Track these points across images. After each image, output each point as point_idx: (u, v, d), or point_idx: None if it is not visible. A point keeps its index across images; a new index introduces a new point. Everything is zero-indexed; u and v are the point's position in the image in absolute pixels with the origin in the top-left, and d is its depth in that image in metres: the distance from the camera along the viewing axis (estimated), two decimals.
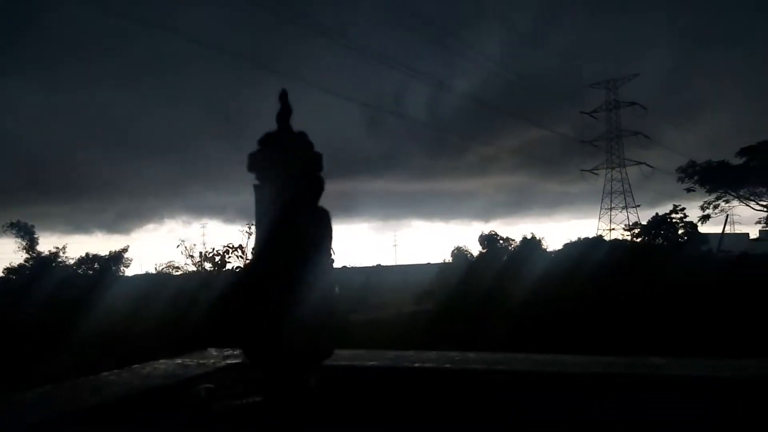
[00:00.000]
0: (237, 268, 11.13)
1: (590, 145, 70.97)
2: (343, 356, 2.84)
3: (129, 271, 23.72)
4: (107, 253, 21.98)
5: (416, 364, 3.04)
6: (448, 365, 3.02)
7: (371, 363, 3.03)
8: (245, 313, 2.47)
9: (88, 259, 21.83)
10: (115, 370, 2.95)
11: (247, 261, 11.16)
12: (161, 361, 3.23)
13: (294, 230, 2.36)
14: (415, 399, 2.81)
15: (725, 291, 15.67)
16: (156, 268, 20.69)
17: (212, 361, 3.11)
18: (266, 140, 2.41)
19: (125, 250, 22.34)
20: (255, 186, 2.54)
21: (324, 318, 2.43)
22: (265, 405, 2.47)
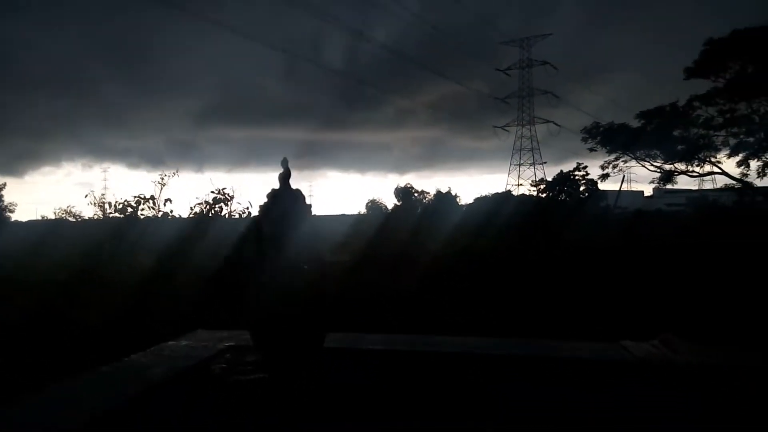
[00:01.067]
0: (146, 218, 10.54)
1: (503, 102, 72.80)
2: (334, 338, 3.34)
3: (18, 216, 21.92)
4: None
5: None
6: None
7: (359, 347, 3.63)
8: (250, 308, 3.05)
9: None
10: (140, 353, 3.40)
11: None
12: (170, 342, 3.65)
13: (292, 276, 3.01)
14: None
15: (622, 247, 16.75)
16: (55, 213, 19.28)
17: (212, 343, 3.54)
18: (272, 196, 3.14)
19: (1, 188, 20.38)
20: (256, 219, 3.34)
21: (316, 312, 3.00)
22: (270, 380, 2.97)
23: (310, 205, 3.31)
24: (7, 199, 20.97)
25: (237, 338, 3.56)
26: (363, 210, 46.20)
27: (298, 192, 3.19)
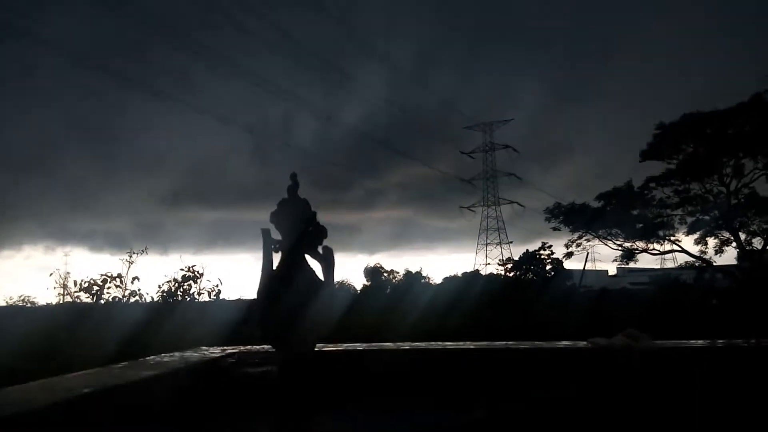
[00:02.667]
0: (115, 298, 10.26)
1: (468, 184, 74.74)
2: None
3: None
4: None
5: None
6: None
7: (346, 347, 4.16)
8: (266, 313, 3.40)
9: None
10: (154, 355, 3.75)
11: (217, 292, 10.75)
12: (175, 353, 4.00)
13: (298, 263, 3.42)
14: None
15: (588, 326, 16.88)
16: (6, 301, 18.52)
17: (218, 351, 3.96)
18: (282, 203, 3.53)
19: None
20: (263, 230, 3.52)
21: (319, 321, 3.36)
22: (279, 371, 3.34)
23: (315, 212, 3.62)
24: None
25: (239, 349, 4.07)
26: None
27: (304, 201, 3.60)
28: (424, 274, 51.01)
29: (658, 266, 51.20)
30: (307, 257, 3.61)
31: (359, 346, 4.18)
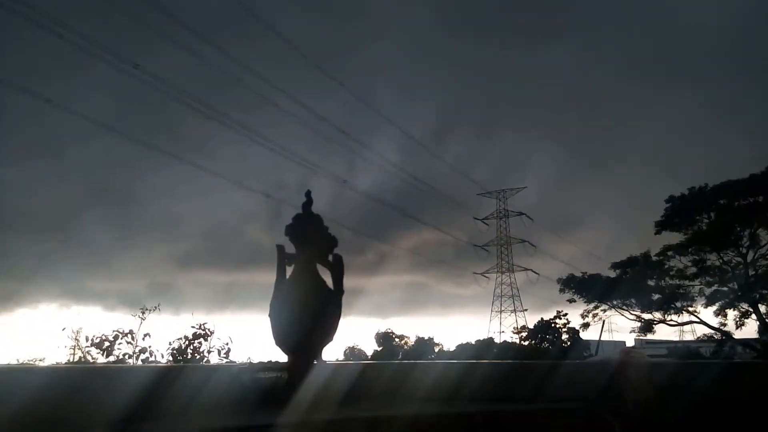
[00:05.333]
0: (125, 354, 10.25)
1: (482, 250, 74.51)
2: None
3: None
4: None
5: None
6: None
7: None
8: (279, 322, 3.63)
9: None
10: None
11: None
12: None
13: (311, 275, 3.62)
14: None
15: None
16: (17, 360, 18.44)
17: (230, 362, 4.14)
18: (297, 217, 3.73)
19: None
20: (278, 246, 3.72)
21: (328, 327, 3.65)
22: (289, 377, 3.62)
23: (327, 227, 3.85)
24: None
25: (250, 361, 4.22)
26: (341, 357, 45.11)
27: (318, 216, 3.81)
28: (436, 340, 50.26)
29: (677, 338, 50.14)
30: (319, 266, 3.87)
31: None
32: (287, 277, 3.68)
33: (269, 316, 3.66)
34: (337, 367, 4.05)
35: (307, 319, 3.42)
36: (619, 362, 3.94)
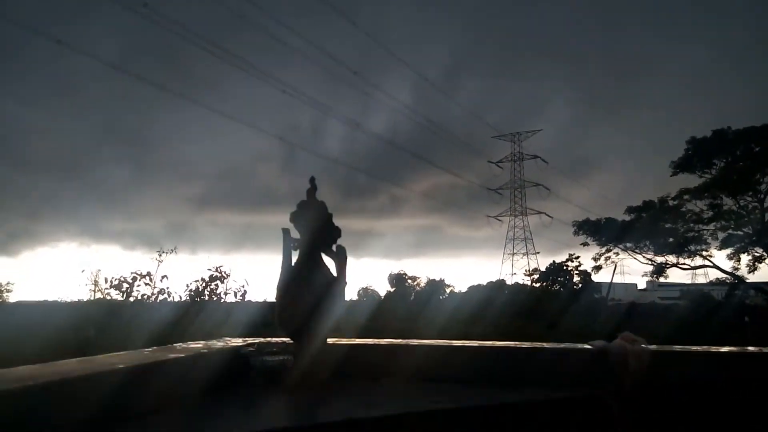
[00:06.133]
0: (144, 295, 10.47)
1: (495, 193, 74.27)
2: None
3: (11, 297, 21.48)
4: None
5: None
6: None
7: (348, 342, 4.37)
8: (284, 308, 3.69)
9: None
10: (180, 343, 4.12)
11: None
12: (201, 342, 4.35)
13: (314, 260, 3.70)
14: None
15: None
16: (45, 295, 18.97)
17: (239, 342, 4.27)
18: (301, 205, 3.82)
19: None
20: (283, 229, 3.79)
21: (332, 315, 3.69)
22: (294, 359, 3.71)
23: (331, 214, 3.88)
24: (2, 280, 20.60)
25: (260, 340, 4.33)
26: (355, 297, 45.89)
27: (322, 203, 3.85)
28: (447, 282, 50.84)
29: (689, 281, 50.26)
30: (323, 255, 3.88)
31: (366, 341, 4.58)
32: (293, 263, 3.74)
33: (275, 299, 3.78)
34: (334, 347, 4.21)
35: (309, 306, 3.56)
36: (619, 351, 3.94)
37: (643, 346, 4.00)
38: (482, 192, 76.44)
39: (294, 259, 3.83)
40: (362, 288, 48.40)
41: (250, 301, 12.28)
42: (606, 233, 30.24)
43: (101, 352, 9.79)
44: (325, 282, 3.74)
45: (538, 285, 44.80)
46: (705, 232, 27.84)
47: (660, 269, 29.73)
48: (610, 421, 3.60)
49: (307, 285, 3.71)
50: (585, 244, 31.69)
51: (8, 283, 20.61)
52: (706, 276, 46.32)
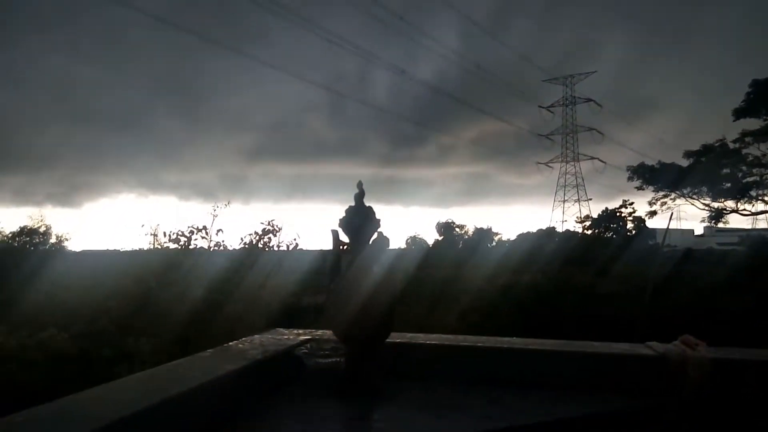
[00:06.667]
0: (201, 248, 10.97)
1: (546, 139, 72.57)
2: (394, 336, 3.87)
3: (73, 247, 22.77)
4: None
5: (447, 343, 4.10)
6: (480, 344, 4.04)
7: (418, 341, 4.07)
8: (335, 310, 3.59)
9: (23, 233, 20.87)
10: (236, 341, 3.92)
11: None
12: (255, 336, 4.15)
13: (367, 273, 3.59)
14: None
15: (670, 286, 16.40)
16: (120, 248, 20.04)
17: (293, 337, 4.09)
18: (349, 211, 3.83)
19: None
20: (332, 231, 3.81)
21: (386, 313, 3.58)
22: (347, 363, 3.54)
23: (379, 220, 3.83)
24: (60, 230, 21.87)
25: (312, 334, 4.14)
26: (403, 245, 46.26)
27: (370, 208, 3.83)
28: (494, 230, 50.56)
29: (749, 227, 48.36)
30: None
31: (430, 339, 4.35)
32: (342, 267, 3.73)
33: (324, 306, 3.76)
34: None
35: (364, 315, 3.54)
36: (678, 356, 3.51)
37: (705, 351, 3.56)
38: (532, 138, 74.89)
39: (344, 262, 3.73)
40: (410, 237, 48.75)
41: (301, 249, 12.67)
42: (662, 178, 29.27)
43: (162, 303, 10.33)
44: (378, 290, 3.73)
45: (589, 232, 44.04)
46: (767, 176, 26.64)
47: (718, 215, 28.75)
48: None
49: (360, 295, 3.66)
50: (640, 188, 30.81)
51: (65, 234, 21.72)
52: (767, 221, 44.57)
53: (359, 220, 3.97)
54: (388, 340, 3.69)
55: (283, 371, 3.75)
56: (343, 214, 3.97)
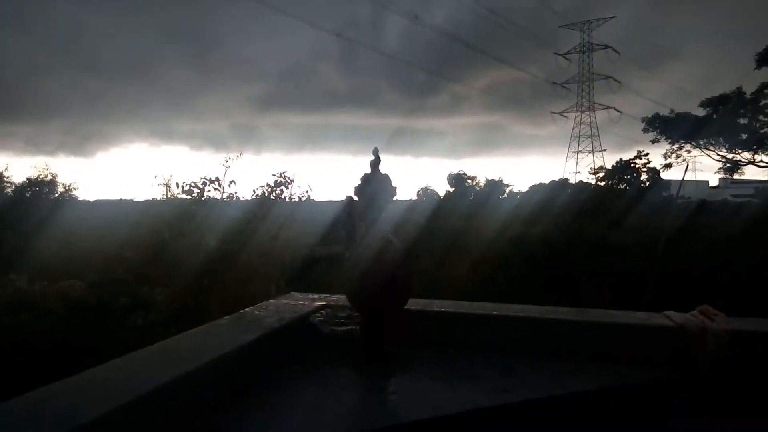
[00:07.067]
0: (214, 199, 11.01)
1: (562, 87, 71.19)
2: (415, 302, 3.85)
3: (86, 196, 22.90)
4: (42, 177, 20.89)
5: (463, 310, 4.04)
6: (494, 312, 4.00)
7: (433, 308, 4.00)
8: (351, 279, 3.53)
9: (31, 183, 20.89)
10: (253, 307, 3.94)
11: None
12: (272, 300, 4.16)
13: (382, 242, 3.53)
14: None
15: (684, 238, 16.30)
16: (133, 198, 20.05)
17: (308, 302, 4.07)
18: (365, 179, 3.75)
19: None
20: (347, 197, 3.74)
21: (401, 282, 3.51)
22: (362, 331, 3.53)
23: (395, 187, 3.77)
24: (67, 180, 21.94)
25: (327, 299, 4.09)
26: (414, 197, 46.21)
27: (386, 176, 3.76)
28: (505, 182, 50.27)
29: (766, 178, 47.66)
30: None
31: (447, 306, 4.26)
32: (358, 235, 3.71)
33: (342, 274, 3.71)
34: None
35: (377, 285, 3.46)
36: (697, 328, 3.40)
37: (725, 322, 3.44)
38: (547, 87, 73.57)
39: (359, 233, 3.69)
40: (422, 188, 48.65)
41: (314, 200, 12.69)
42: (678, 129, 28.71)
43: (176, 253, 10.39)
44: (392, 259, 3.62)
45: (603, 184, 43.66)
46: None
47: (734, 166, 28.30)
48: (687, 409, 3.23)
49: (374, 264, 3.47)
50: (655, 141, 30.32)
51: (72, 183, 21.73)
52: None
53: (374, 188, 3.90)
54: (405, 307, 3.64)
55: (299, 338, 3.72)
56: (359, 182, 3.89)
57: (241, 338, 3.14)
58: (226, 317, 3.64)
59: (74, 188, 21.66)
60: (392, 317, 3.59)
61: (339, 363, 3.44)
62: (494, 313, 3.99)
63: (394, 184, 3.95)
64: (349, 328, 3.75)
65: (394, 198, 3.90)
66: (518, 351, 3.66)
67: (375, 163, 3.77)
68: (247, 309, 3.95)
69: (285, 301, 4.18)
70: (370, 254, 3.50)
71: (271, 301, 4.22)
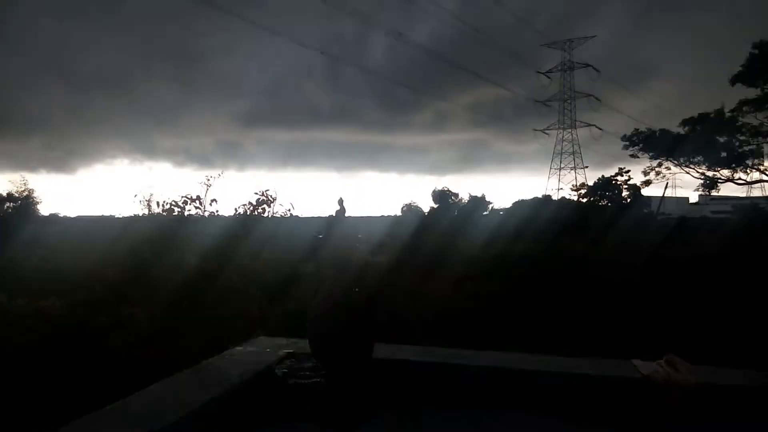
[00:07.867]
0: (196, 214, 10.87)
1: (543, 105, 71.95)
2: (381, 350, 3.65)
3: (66, 212, 22.46)
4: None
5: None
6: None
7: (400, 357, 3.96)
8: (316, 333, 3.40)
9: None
10: (216, 356, 3.81)
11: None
12: (237, 348, 4.02)
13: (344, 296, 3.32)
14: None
15: (664, 254, 16.47)
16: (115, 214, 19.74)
17: (273, 350, 3.94)
18: (330, 219, 3.65)
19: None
20: (318, 238, 3.66)
21: (369, 333, 3.38)
22: (328, 383, 3.34)
23: (360, 237, 3.70)
24: (43, 195, 21.51)
25: (294, 346, 4.00)
26: (399, 213, 46.21)
27: (348, 221, 3.72)
28: (488, 198, 50.49)
29: (744, 195, 48.42)
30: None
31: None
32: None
33: (310, 321, 3.52)
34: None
35: (337, 336, 3.31)
36: (663, 379, 3.35)
37: (690, 372, 3.40)
38: (529, 104, 74.38)
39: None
40: (406, 204, 48.68)
41: (297, 216, 12.61)
42: (658, 146, 29.17)
43: (157, 272, 10.22)
44: (355, 312, 3.40)
45: (585, 200, 44.04)
46: (765, 145, 26.54)
47: (713, 184, 28.75)
48: None
49: (344, 313, 3.35)
50: (635, 156, 30.75)
51: (34, 195, 21.18)
52: (762, 189, 44.66)
53: (337, 233, 3.67)
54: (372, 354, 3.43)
55: (261, 395, 3.52)
56: (323, 224, 3.81)
57: (199, 398, 3.00)
58: (186, 370, 3.46)
59: (37, 201, 21.08)
60: (357, 369, 3.38)
61: (305, 418, 3.30)
62: (461, 362, 3.91)
63: (359, 230, 3.75)
64: (314, 380, 3.56)
65: (360, 239, 3.72)
66: (485, 403, 3.64)
67: (340, 213, 3.69)
68: (210, 360, 3.76)
69: (251, 349, 4.03)
70: (330, 304, 3.31)
71: (237, 348, 4.06)
